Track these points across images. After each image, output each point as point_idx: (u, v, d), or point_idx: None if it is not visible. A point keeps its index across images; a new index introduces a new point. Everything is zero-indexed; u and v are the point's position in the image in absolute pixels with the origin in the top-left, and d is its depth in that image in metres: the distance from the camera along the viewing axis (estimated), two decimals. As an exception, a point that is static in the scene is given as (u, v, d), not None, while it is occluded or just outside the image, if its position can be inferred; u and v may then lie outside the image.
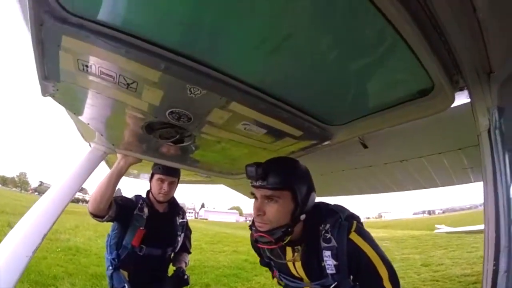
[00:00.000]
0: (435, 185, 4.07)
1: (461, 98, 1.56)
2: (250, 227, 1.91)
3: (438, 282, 9.10)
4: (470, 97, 1.46)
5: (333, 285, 1.76)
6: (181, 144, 2.24)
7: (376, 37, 1.18)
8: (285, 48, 1.24)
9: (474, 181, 3.52)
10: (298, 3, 1.02)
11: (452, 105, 1.60)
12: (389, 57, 1.32)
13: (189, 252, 3.59)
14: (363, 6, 0.99)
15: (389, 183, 4.14)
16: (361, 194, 4.65)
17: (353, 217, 1.83)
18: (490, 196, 1.31)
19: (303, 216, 1.76)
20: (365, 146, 2.70)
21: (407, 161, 3.24)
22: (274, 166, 1.74)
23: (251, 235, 2.02)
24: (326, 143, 2.15)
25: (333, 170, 3.58)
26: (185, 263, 3.41)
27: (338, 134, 2.07)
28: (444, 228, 24.59)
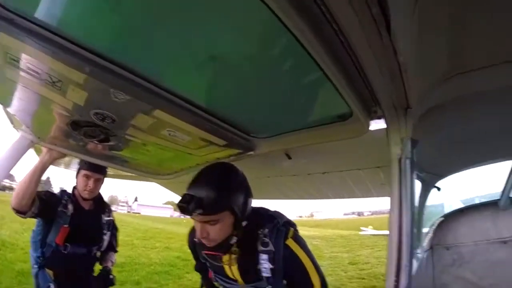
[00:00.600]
0: (355, 196, 4.36)
1: (380, 124, 1.68)
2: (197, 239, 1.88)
3: (364, 280, 9.62)
4: (387, 127, 1.59)
5: None
6: (107, 143, 2.20)
7: (299, 67, 1.25)
8: (211, 66, 1.28)
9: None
10: (225, 25, 1.06)
11: (372, 129, 1.73)
12: (312, 85, 1.41)
13: (116, 251, 3.49)
14: (288, 39, 1.04)
15: (312, 191, 4.33)
16: (285, 199, 4.85)
17: (290, 224, 1.88)
18: (394, 220, 1.43)
19: (244, 223, 1.79)
20: (289, 157, 2.81)
21: (328, 173, 3.43)
22: (207, 193, 1.64)
23: (189, 236, 2.06)
24: (250, 153, 2.25)
25: (258, 176, 3.69)
26: (112, 262, 3.33)
27: (262, 146, 2.16)
28: (368, 230, 26.32)
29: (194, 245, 2.06)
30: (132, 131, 1.94)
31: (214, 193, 1.65)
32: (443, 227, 3.98)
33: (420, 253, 3.44)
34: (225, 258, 1.88)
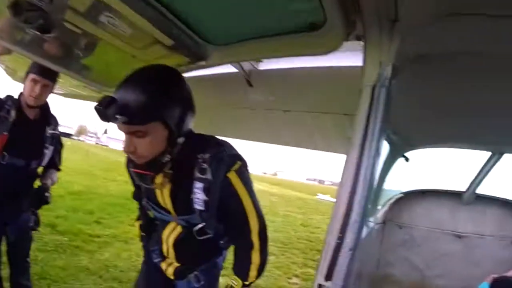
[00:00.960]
0: (314, 147, 4.19)
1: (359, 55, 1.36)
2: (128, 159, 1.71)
3: (312, 243, 9.81)
4: (365, 45, 1.26)
5: (200, 226, 1.67)
6: (49, 35, 1.91)
7: None
8: None
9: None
10: None
11: (349, 64, 1.48)
12: None
13: (58, 169, 3.26)
14: None
15: (270, 132, 4.10)
16: (238, 138, 4.57)
17: (238, 158, 1.66)
18: (352, 159, 1.14)
19: (181, 139, 1.57)
20: (250, 84, 2.55)
21: (290, 112, 3.15)
22: (134, 97, 1.39)
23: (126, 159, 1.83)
24: (201, 63, 1.99)
25: (211, 103, 3.36)
26: (52, 180, 3.10)
27: (215, 54, 1.90)
28: (322, 196, 27.62)
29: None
30: (70, 17, 1.69)
31: (142, 97, 1.39)
32: (401, 204, 3.89)
33: (372, 222, 3.32)
34: (158, 179, 1.66)
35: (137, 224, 2.16)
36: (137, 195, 2.00)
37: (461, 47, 1.41)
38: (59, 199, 9.10)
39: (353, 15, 1.23)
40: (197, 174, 1.57)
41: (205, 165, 1.56)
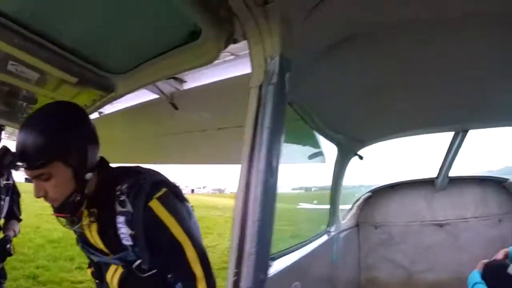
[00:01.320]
0: None
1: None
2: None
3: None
4: (248, 43, 1.08)
5: (138, 262, 1.54)
6: None
7: None
8: None
9: (321, 162, 3.44)
10: None
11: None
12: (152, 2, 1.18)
13: (19, 220, 3.19)
14: None
15: (214, 152, 3.97)
16: (186, 163, 4.45)
17: (163, 184, 1.56)
18: (242, 176, 0.97)
19: (89, 175, 1.48)
20: (176, 107, 2.44)
21: (224, 129, 3.03)
22: (28, 141, 1.36)
23: None
24: (111, 94, 1.93)
25: (144, 135, 3.28)
26: (14, 231, 3.04)
27: (121, 83, 1.85)
28: (304, 205, 27.93)
29: None
30: None
31: (35, 140, 1.34)
32: (371, 203, 3.73)
33: (334, 231, 3.10)
34: (84, 221, 1.57)
35: (89, 271, 2.00)
36: (78, 240, 1.84)
37: (388, 17, 1.23)
38: (40, 248, 8.97)
39: (222, 11, 1.11)
40: (118, 208, 1.49)
41: (123, 197, 1.48)
